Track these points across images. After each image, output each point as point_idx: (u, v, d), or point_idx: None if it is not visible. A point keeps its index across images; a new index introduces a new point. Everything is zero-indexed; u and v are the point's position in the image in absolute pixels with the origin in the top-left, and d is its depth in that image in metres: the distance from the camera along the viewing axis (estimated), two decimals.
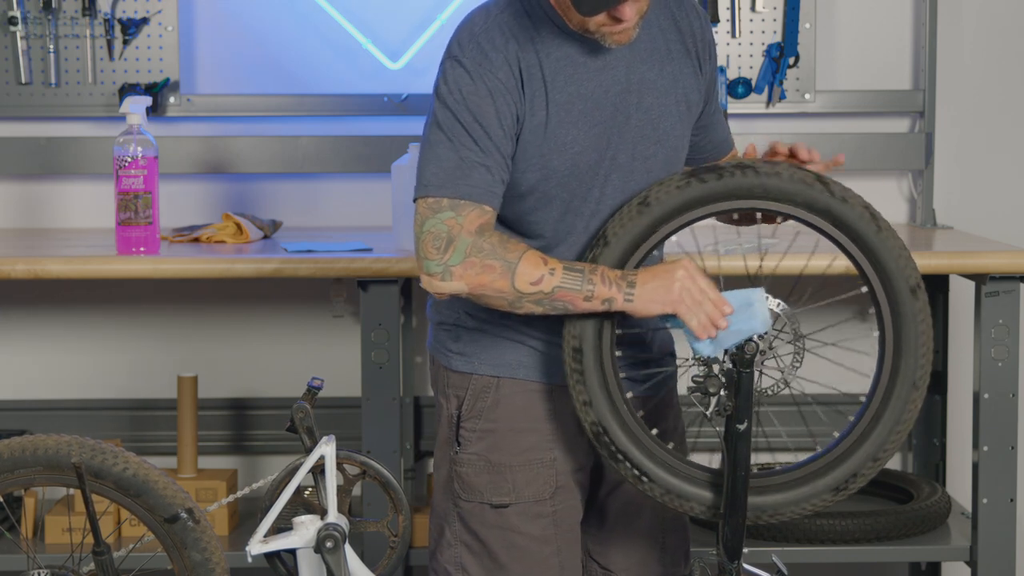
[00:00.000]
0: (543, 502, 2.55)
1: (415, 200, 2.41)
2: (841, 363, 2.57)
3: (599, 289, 2.37)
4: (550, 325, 2.49)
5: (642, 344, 2.59)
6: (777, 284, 2.50)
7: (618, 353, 2.46)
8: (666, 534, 2.68)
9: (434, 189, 2.38)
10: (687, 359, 2.43)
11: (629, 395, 2.47)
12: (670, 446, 2.48)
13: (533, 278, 2.36)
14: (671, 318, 2.40)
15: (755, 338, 2.40)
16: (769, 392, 2.45)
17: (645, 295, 2.37)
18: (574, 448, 2.56)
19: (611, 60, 2.47)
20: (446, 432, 2.59)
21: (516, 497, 2.54)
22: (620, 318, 2.45)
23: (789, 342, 2.44)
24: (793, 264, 2.67)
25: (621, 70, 2.48)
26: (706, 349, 2.40)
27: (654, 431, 2.47)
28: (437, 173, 2.38)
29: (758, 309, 2.40)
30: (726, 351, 2.40)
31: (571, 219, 2.49)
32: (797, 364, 2.44)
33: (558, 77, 2.43)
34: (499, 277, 2.36)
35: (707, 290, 2.38)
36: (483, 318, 2.54)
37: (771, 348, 2.42)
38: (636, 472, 2.43)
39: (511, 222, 2.50)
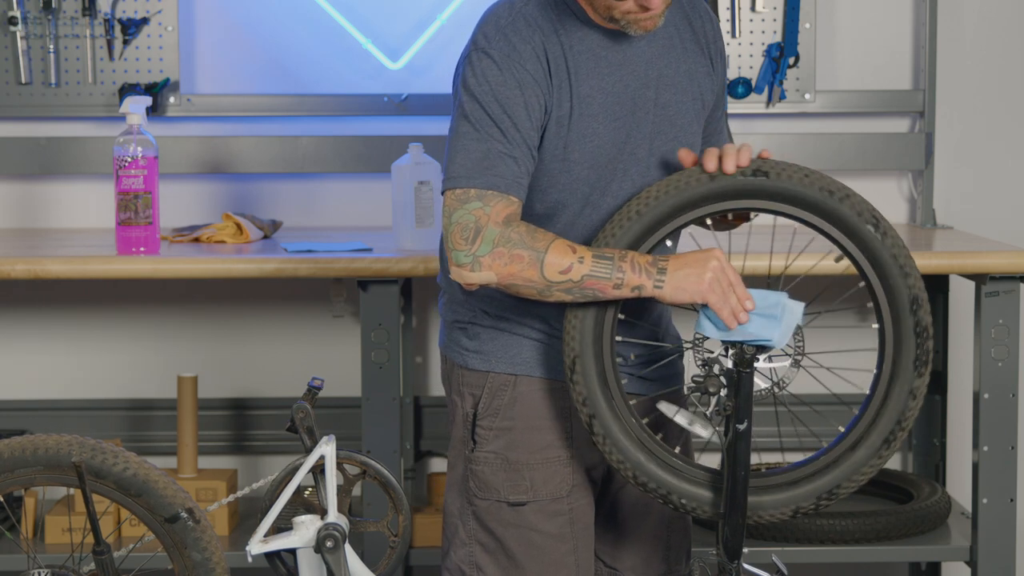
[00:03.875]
0: (560, 500, 2.54)
1: (443, 192, 2.41)
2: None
3: (629, 277, 2.36)
4: None
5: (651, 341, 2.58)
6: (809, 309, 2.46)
7: (623, 362, 2.45)
8: (670, 532, 2.68)
9: (462, 180, 2.38)
10: (694, 341, 2.41)
11: (633, 402, 2.46)
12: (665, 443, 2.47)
13: (562, 267, 2.36)
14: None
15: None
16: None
17: (675, 282, 2.36)
18: (589, 446, 2.55)
19: (631, 55, 2.48)
20: (461, 431, 2.58)
21: (534, 495, 2.53)
22: (624, 306, 2.44)
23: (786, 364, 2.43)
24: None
25: (640, 65, 2.48)
26: (711, 331, 2.38)
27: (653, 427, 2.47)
28: (464, 164, 2.39)
29: (780, 320, 2.38)
30: (729, 344, 2.39)
31: (589, 212, 2.49)
32: (787, 382, 2.43)
33: (581, 70, 2.44)
34: (528, 266, 2.36)
35: (735, 284, 2.38)
36: (500, 316, 2.53)
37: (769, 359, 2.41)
38: (634, 473, 2.43)
39: (528, 215, 2.49)
